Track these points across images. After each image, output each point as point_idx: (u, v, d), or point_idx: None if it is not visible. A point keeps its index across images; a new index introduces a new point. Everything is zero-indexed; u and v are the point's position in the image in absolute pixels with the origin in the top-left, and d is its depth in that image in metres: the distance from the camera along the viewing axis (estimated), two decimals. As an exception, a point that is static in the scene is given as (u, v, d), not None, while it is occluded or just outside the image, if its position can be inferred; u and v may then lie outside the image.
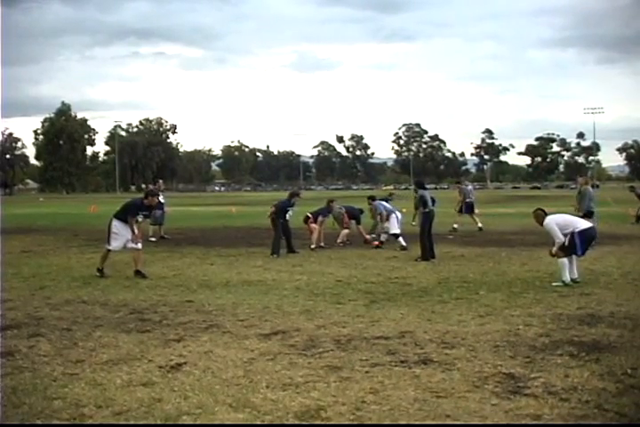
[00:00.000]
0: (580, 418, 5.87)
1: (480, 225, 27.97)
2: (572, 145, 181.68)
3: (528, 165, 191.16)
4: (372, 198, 22.31)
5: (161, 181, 28.14)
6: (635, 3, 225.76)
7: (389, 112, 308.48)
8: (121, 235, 14.63)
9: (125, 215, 14.64)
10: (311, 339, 8.82)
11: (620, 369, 7.30)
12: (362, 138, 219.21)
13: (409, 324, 9.70)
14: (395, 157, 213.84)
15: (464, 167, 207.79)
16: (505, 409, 6.07)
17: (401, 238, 20.47)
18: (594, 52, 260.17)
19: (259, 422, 5.87)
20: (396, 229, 20.80)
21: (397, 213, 21.22)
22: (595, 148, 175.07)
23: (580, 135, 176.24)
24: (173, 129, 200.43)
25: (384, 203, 21.68)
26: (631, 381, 6.90)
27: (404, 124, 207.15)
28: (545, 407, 6.11)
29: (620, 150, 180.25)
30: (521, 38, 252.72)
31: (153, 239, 23.44)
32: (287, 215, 19.94)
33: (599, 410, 6.06)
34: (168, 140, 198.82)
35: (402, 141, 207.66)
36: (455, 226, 27.62)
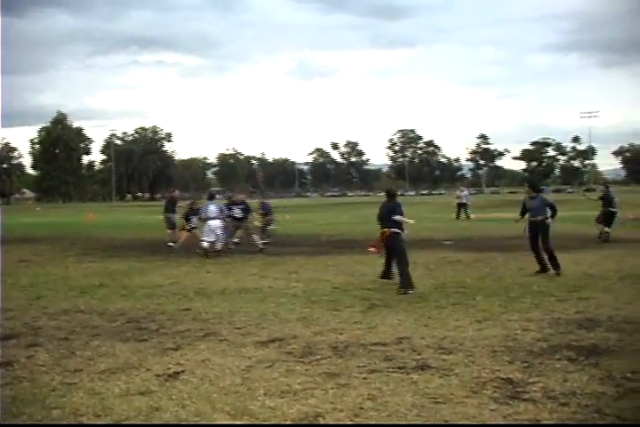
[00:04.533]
0: (580, 422, 5.87)
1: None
2: (568, 149, 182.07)
3: (524, 170, 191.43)
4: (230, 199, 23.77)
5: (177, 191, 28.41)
6: (634, 8, 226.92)
7: (388, 118, 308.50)
8: None
9: None
10: (308, 346, 8.81)
11: (620, 373, 7.30)
12: (357, 144, 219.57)
13: (406, 330, 9.69)
14: (390, 163, 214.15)
15: (459, 172, 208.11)
16: (503, 414, 6.06)
17: (205, 244, 21.23)
18: (593, 57, 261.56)
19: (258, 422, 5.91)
20: (208, 238, 21.09)
21: (217, 222, 21.56)
22: (590, 151, 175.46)
23: (576, 139, 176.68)
24: (169, 137, 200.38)
25: (211, 207, 21.89)
26: (630, 384, 6.90)
27: (398, 131, 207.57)
28: (544, 412, 6.11)
29: (617, 154, 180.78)
30: (521, 43, 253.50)
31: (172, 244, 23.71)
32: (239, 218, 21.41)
33: (599, 414, 6.06)
34: (164, 149, 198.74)
35: (397, 147, 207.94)
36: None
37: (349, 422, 5.98)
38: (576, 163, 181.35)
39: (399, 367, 7.66)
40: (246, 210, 23.18)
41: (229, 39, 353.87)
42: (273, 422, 6.00)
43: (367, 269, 16.90)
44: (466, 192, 46.38)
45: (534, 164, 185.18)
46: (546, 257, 15.43)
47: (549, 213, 15.72)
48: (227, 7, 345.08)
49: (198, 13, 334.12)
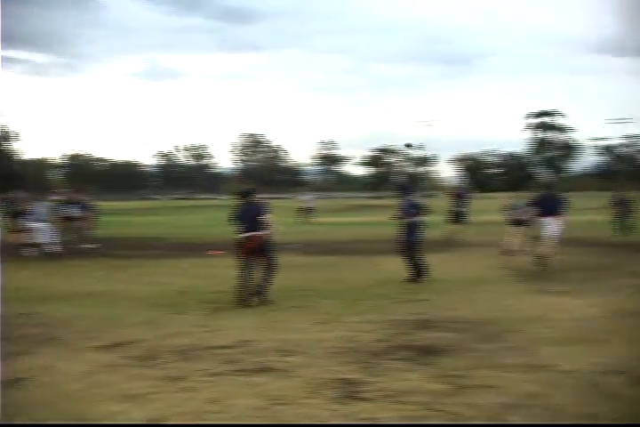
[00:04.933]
0: (415, 419, 6.12)
1: None
2: (410, 156, 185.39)
3: (367, 176, 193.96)
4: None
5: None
6: (473, 23, 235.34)
7: (237, 122, 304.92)
8: None
9: None
10: (153, 350, 8.80)
11: (453, 371, 7.63)
12: (204, 147, 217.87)
13: (250, 333, 9.79)
14: (238, 166, 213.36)
15: (306, 177, 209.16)
16: (343, 414, 6.24)
17: (34, 248, 21.31)
18: (436, 68, 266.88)
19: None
20: (38, 240, 21.23)
21: (44, 224, 21.67)
22: (430, 159, 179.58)
23: (418, 146, 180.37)
24: (15, 137, 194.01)
25: (40, 209, 22.01)
26: (463, 381, 7.22)
27: (245, 134, 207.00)
28: (381, 411, 6.32)
29: (455, 161, 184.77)
30: (368, 52, 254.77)
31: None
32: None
33: (433, 411, 6.32)
34: (9, 148, 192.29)
35: (244, 151, 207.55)
36: None
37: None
38: (417, 169, 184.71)
39: (242, 370, 7.75)
40: (84, 208, 22.99)
41: (80, 38, 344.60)
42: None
43: (213, 272, 16.94)
44: (311, 196, 46.91)
45: (377, 169, 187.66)
46: (414, 262, 15.16)
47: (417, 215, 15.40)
48: (77, 6, 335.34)
49: (48, 10, 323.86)
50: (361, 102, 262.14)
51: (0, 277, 13.94)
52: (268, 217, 12.79)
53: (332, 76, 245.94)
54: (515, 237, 21.28)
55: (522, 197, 21.92)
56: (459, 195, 27.22)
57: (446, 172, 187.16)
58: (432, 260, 16.23)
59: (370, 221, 40.89)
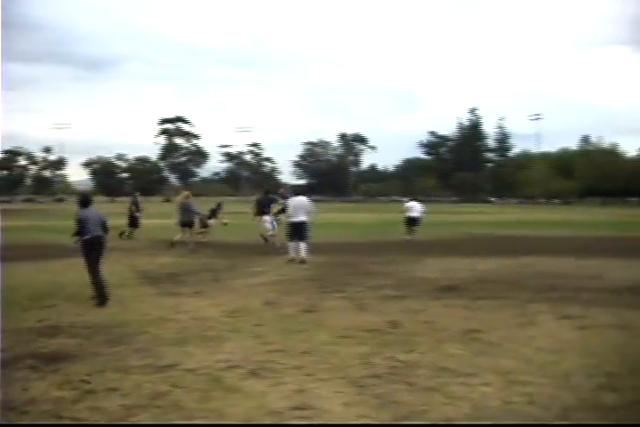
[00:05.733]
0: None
1: None
2: (40, 159, 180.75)
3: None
4: None
5: None
6: (109, 28, 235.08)
7: None
8: None
9: None
10: None
11: (78, 376, 7.63)
12: None
13: None
14: None
15: None
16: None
17: None
18: (66, 70, 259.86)
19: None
20: None
21: None
22: (61, 162, 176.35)
23: (47, 150, 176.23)
24: None
25: None
26: (87, 387, 7.27)
27: None
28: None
29: (86, 165, 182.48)
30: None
31: None
32: None
33: (58, 418, 6.35)
34: None
35: None
36: None
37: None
38: (47, 173, 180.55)
39: None
40: None
41: None
42: None
43: None
44: None
45: (4, 173, 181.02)
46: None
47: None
48: None
49: None
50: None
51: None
52: None
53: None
54: (184, 237, 24.03)
55: (195, 200, 24.27)
56: (134, 202, 30.18)
57: (77, 175, 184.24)
58: (58, 265, 16.02)
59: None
